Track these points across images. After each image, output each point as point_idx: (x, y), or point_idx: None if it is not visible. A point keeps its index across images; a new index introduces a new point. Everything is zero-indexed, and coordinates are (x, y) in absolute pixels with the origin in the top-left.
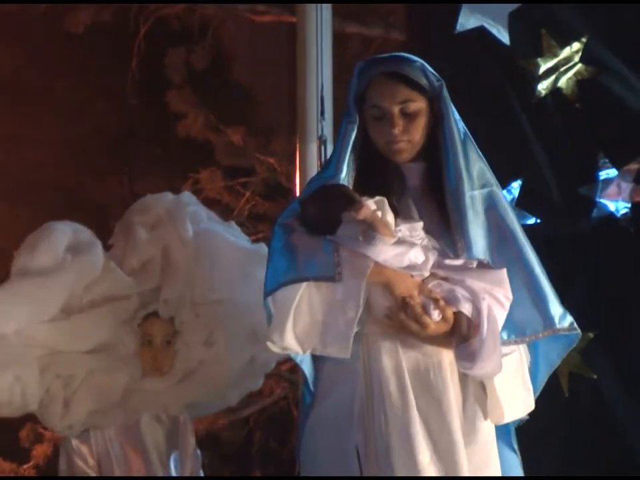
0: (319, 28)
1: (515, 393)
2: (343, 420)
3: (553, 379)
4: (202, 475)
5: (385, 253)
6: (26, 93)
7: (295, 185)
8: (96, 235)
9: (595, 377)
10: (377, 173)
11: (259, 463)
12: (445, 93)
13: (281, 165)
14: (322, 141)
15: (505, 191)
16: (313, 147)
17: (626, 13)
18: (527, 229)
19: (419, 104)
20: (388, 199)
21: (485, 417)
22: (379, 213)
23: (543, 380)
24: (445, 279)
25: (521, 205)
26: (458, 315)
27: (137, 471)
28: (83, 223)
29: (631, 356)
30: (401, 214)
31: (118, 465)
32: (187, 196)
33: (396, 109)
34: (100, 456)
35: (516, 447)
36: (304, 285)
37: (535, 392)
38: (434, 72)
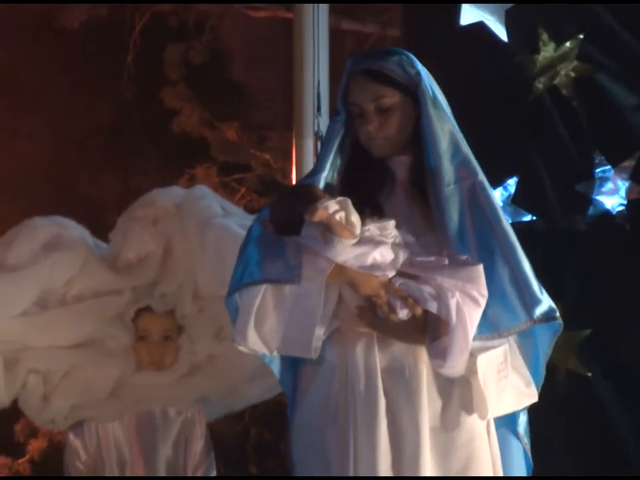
0: (316, 24)
1: (502, 387)
2: (320, 417)
3: (551, 374)
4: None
5: (345, 253)
6: (21, 87)
7: (291, 181)
8: (90, 230)
9: (589, 374)
10: (365, 169)
11: (254, 458)
12: (423, 85)
13: (276, 161)
14: (318, 137)
15: (501, 188)
16: (309, 143)
17: (621, 11)
18: (523, 226)
19: (392, 99)
20: (372, 196)
21: (471, 413)
22: (342, 213)
23: (543, 369)
24: (415, 276)
25: (517, 201)
26: (430, 313)
27: (137, 465)
28: (78, 218)
29: (625, 354)
30: (386, 211)
31: (118, 459)
32: (200, 189)
33: (370, 106)
34: (98, 449)
35: (522, 434)
36: (265, 285)
37: (537, 382)
38: (415, 64)
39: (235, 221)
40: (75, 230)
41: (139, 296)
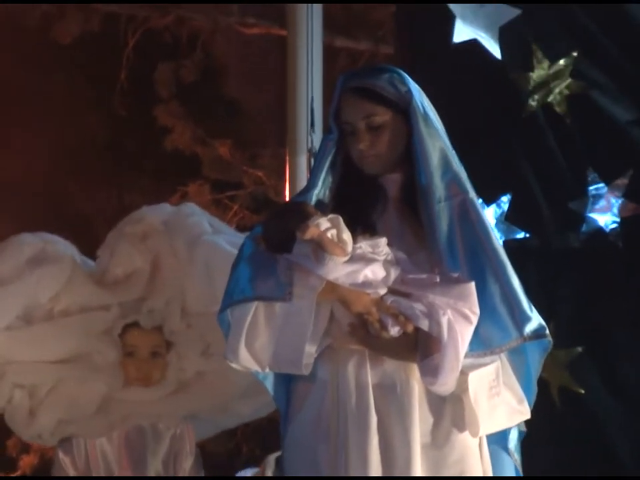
0: (309, 40)
1: (494, 404)
2: (312, 434)
3: (545, 392)
4: None
5: (336, 271)
6: (15, 102)
7: (285, 198)
8: (83, 245)
9: (583, 391)
10: (357, 187)
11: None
12: (415, 103)
13: (269, 178)
14: (312, 154)
15: (494, 205)
16: (303, 160)
17: (614, 28)
18: (516, 243)
19: (384, 117)
20: (364, 214)
21: (462, 430)
22: (334, 231)
23: (535, 386)
24: (407, 294)
25: (510, 219)
26: (421, 330)
27: None
28: (71, 233)
29: (618, 371)
30: (378, 228)
31: (106, 475)
32: (189, 207)
33: (362, 124)
34: (87, 466)
35: (513, 450)
36: (257, 303)
37: (530, 398)
38: (406, 82)
39: (224, 238)
40: (61, 245)
41: (126, 311)
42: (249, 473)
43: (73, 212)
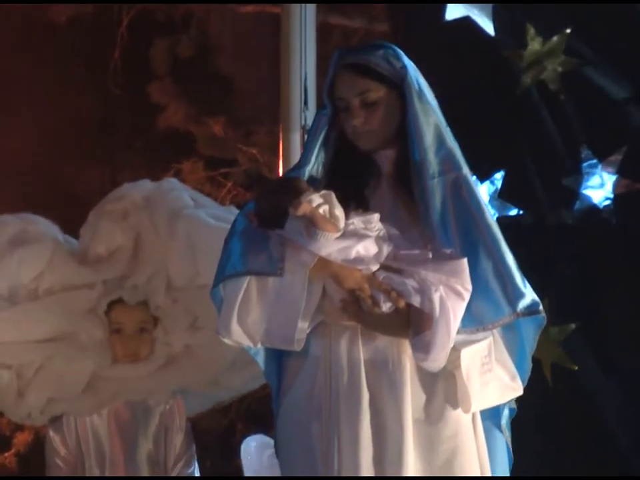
0: (303, 18)
1: (486, 380)
2: (304, 411)
3: (536, 369)
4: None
5: (328, 247)
6: (7, 81)
7: (278, 175)
8: (75, 224)
9: (576, 368)
10: (351, 163)
11: (240, 453)
12: (409, 79)
13: (263, 155)
14: (305, 131)
15: (488, 182)
16: (296, 137)
17: (607, 5)
18: (510, 220)
19: (378, 93)
20: (357, 190)
21: (455, 406)
22: (326, 207)
23: (529, 363)
24: (399, 270)
25: (503, 195)
26: (413, 307)
27: (117, 458)
28: (65, 213)
29: (612, 347)
30: (371, 204)
31: (97, 452)
32: (170, 182)
33: (356, 101)
34: (77, 444)
35: (505, 427)
36: (249, 278)
37: (523, 375)
38: (401, 58)
39: (206, 212)
40: (42, 225)
41: (110, 289)
42: (252, 442)
43: (66, 191)
